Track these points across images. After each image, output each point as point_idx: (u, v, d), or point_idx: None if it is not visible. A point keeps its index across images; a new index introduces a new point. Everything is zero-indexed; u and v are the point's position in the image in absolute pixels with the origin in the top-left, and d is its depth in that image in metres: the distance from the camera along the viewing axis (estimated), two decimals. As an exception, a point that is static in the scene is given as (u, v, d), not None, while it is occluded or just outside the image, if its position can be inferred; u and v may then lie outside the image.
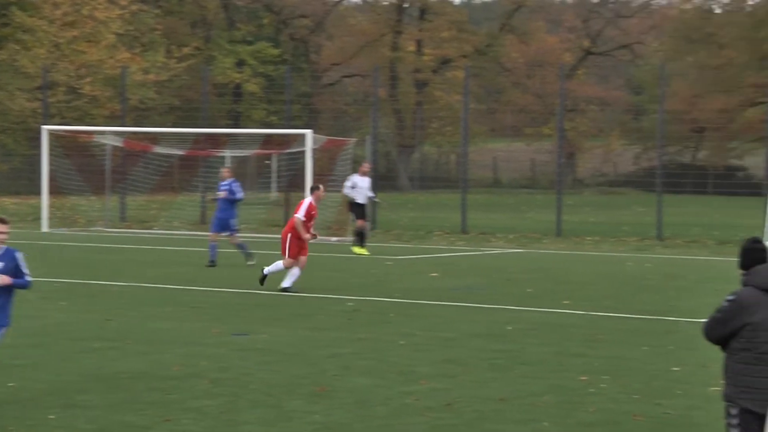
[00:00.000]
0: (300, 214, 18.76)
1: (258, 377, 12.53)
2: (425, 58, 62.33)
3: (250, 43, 58.62)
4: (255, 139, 39.88)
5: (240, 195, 25.53)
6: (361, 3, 66.96)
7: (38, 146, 35.51)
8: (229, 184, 25.39)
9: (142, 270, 24.45)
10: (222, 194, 25.01)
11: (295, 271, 19.68)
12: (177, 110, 49.52)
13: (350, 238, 29.55)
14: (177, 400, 11.48)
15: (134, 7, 52.80)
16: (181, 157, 37.97)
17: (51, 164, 34.67)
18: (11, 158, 47.21)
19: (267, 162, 39.80)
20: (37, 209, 36.12)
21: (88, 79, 48.73)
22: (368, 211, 29.51)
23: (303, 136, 33.40)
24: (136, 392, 11.80)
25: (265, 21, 62.00)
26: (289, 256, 19.73)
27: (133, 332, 15.80)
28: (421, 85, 61.96)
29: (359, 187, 27.94)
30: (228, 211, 25.04)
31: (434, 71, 61.90)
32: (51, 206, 35.32)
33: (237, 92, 57.52)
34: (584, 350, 15.00)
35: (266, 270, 19.92)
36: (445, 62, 62.15)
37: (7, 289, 10.54)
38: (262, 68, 57.82)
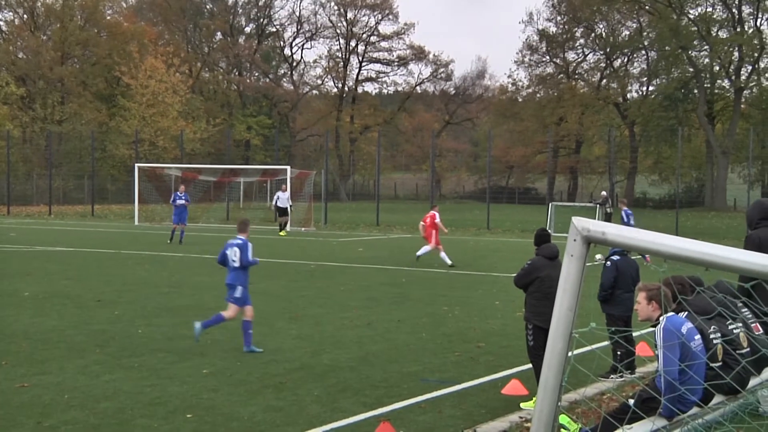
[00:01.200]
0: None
1: (257, 309, 14.81)
2: (355, 125, 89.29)
3: (254, 116, 76.90)
4: (257, 172, 49.80)
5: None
6: (318, 93, 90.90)
7: (132, 176, 44.20)
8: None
9: (190, 247, 30.07)
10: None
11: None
12: (212, 155, 60.16)
13: (313, 229, 40.07)
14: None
15: (188, 96, 68.40)
16: (214, 182, 47.55)
17: (139, 186, 43.23)
18: (117, 182, 57.84)
19: (264, 185, 49.20)
20: (132, 211, 44.61)
21: (161, 137, 61.76)
22: (288, 212, 37.88)
23: (285, 170, 42.06)
24: (189, 317, 14.60)
25: (263, 103, 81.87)
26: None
27: (186, 283, 19.89)
28: (353, 140, 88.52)
29: (281, 198, 37.55)
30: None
31: (360, 133, 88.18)
32: (139, 210, 43.91)
33: (247, 144, 75.24)
34: (446, 292, 19.07)
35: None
36: (367, 128, 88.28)
37: (243, 271, 12.69)
38: (261, 131, 77.52)
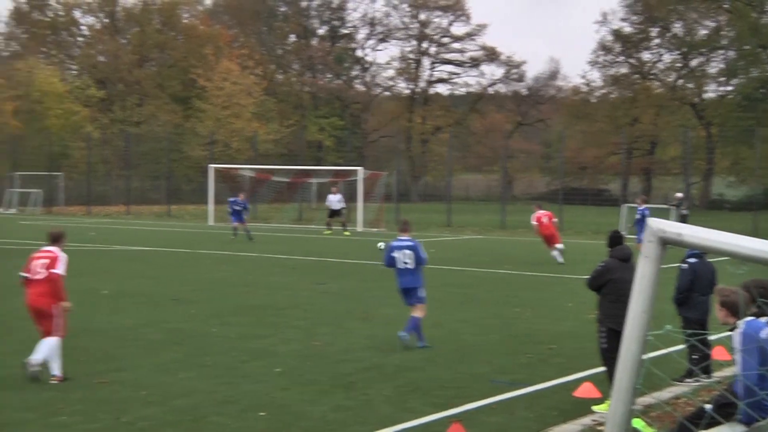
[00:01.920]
0: None
1: (330, 308, 16.20)
2: (427, 126, 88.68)
3: (327, 117, 77.56)
4: (329, 173, 49.43)
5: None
6: (389, 95, 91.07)
7: (207, 176, 45.03)
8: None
9: (262, 246, 30.63)
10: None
11: None
12: (285, 156, 61.13)
13: (384, 229, 39.43)
14: (284, 322, 14.73)
15: (261, 98, 69.60)
16: (287, 183, 47.83)
17: (215, 187, 44.11)
18: (192, 183, 59.08)
19: (336, 185, 51.81)
20: (206, 211, 45.26)
21: (235, 139, 62.71)
22: (341, 213, 38.63)
23: (357, 171, 42.73)
24: (262, 316, 15.23)
25: (336, 105, 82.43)
26: None
27: (260, 283, 20.14)
28: (424, 141, 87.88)
29: (331, 200, 38.18)
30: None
31: (432, 134, 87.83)
32: (214, 210, 44.23)
33: (319, 146, 75.87)
34: (516, 293, 18.99)
35: None
36: (438, 129, 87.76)
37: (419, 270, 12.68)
38: (334, 132, 77.80)
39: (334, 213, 38.95)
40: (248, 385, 10.43)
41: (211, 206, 45.08)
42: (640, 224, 26.00)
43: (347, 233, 37.95)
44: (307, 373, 11.10)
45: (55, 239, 10.92)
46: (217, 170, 46.68)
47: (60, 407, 9.28)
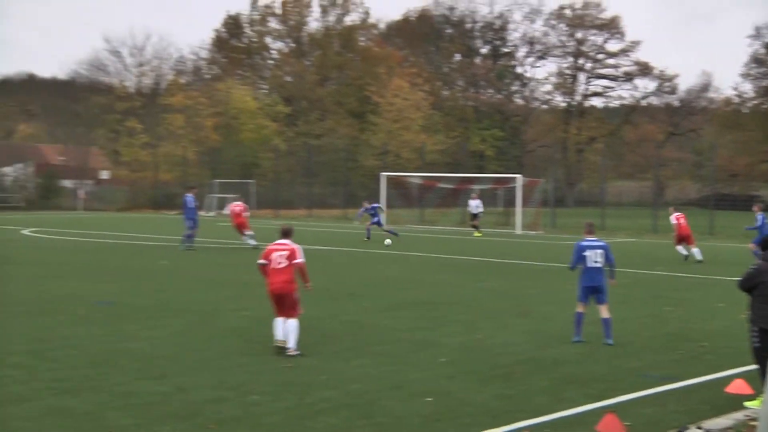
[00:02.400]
0: None
1: (488, 305, 16.14)
2: (582, 136, 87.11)
3: (488, 129, 76.84)
4: (490, 180, 49.41)
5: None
6: (547, 108, 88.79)
7: (379, 183, 45.81)
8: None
9: (431, 247, 30.63)
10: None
11: None
12: (450, 165, 61.27)
13: (541, 232, 40.27)
14: (446, 314, 14.80)
15: (429, 112, 70.61)
16: (451, 189, 48.11)
17: (386, 193, 44.99)
18: (367, 189, 57.57)
19: (496, 192, 49.39)
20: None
21: (405, 149, 63.61)
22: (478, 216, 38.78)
23: (516, 178, 42.96)
24: (427, 311, 15.15)
25: (496, 118, 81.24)
26: None
27: (425, 280, 20.13)
28: (579, 151, 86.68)
29: (471, 205, 38.62)
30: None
31: (586, 143, 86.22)
32: (388, 215, 43.29)
33: (481, 155, 75.16)
34: (668, 293, 18.48)
35: None
36: (592, 139, 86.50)
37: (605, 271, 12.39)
38: (494, 143, 77.28)
39: (474, 216, 39.19)
40: (415, 372, 10.46)
41: (383, 209, 45.03)
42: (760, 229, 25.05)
43: (478, 234, 38.15)
44: (469, 363, 11.05)
45: (287, 233, 11.84)
46: (388, 178, 47.09)
47: (252, 387, 9.55)
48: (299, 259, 11.58)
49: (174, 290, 17.81)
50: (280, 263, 11.49)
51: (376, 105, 73.66)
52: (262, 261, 11.63)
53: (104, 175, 67.62)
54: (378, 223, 33.79)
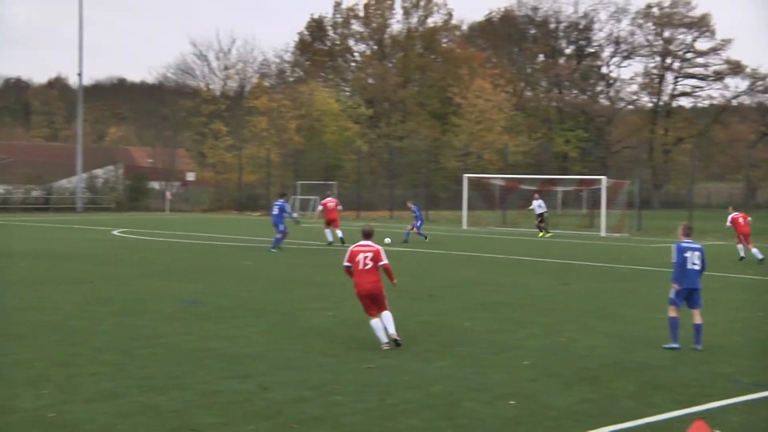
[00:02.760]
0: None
1: (572, 307, 15.93)
2: (669, 137, 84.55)
3: (572, 130, 76.04)
4: (574, 182, 49.86)
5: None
6: (633, 108, 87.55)
7: (461, 185, 45.91)
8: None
9: (511, 249, 30.89)
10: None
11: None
12: (532, 166, 60.79)
13: (626, 234, 39.68)
14: (526, 317, 14.73)
15: (511, 113, 70.03)
16: (534, 191, 45.55)
17: (468, 194, 44.97)
18: (448, 191, 59.83)
19: (580, 193, 49.44)
20: (460, 217, 45.93)
21: (487, 151, 63.49)
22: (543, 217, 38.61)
23: (600, 179, 42.21)
24: (508, 312, 15.38)
25: (581, 118, 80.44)
26: None
27: (505, 282, 20.20)
28: (666, 152, 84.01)
29: (534, 205, 38.55)
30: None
31: (674, 144, 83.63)
32: (468, 215, 45.40)
33: (565, 156, 74.38)
34: (759, 297, 18.63)
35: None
36: (680, 140, 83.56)
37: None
38: (578, 144, 76.11)
39: (539, 217, 39.12)
40: (497, 375, 10.38)
41: (464, 212, 45.52)
42: None
43: (541, 235, 38.32)
44: (552, 366, 10.91)
45: (368, 235, 12.21)
46: (470, 179, 47.08)
47: (333, 388, 9.60)
48: (384, 261, 12.00)
49: (258, 290, 18.04)
50: (367, 264, 11.87)
51: (458, 106, 73.49)
52: (347, 264, 11.96)
53: (190, 176, 69.00)
54: (416, 225, 34.02)
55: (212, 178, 72.03)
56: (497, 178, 50.14)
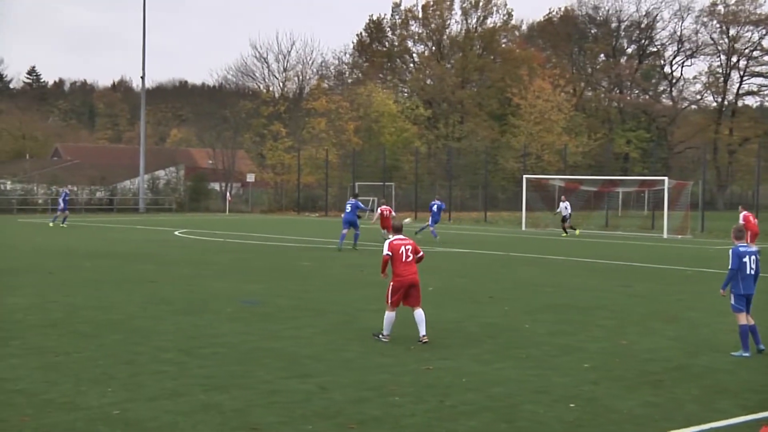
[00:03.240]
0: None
1: (635, 309, 15.87)
2: (734, 137, 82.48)
3: (633, 130, 75.18)
4: (635, 182, 49.67)
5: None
6: (696, 108, 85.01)
7: (520, 186, 45.91)
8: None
9: (571, 250, 30.85)
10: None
11: None
12: (592, 167, 60.55)
13: (689, 236, 39.32)
14: (587, 319, 14.67)
15: (571, 113, 69.84)
16: (594, 192, 47.92)
17: (526, 195, 44.85)
18: (507, 192, 60.26)
19: (642, 195, 49.39)
20: (519, 217, 45.96)
21: (546, 151, 63.61)
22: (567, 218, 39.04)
23: (662, 180, 41.94)
24: (569, 315, 15.28)
25: (642, 119, 79.34)
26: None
27: (566, 283, 19.94)
28: (731, 152, 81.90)
29: (561, 208, 39.05)
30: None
31: (739, 144, 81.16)
32: (526, 217, 45.39)
33: (626, 157, 73.55)
34: None
35: None
36: (746, 140, 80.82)
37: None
38: (640, 144, 75.39)
39: (564, 219, 39.62)
40: (558, 377, 10.29)
41: (524, 213, 45.41)
42: None
43: (570, 234, 39.08)
44: (614, 369, 10.79)
45: (399, 229, 12.95)
46: (529, 180, 46.91)
47: (392, 389, 9.61)
48: (421, 252, 12.78)
49: (317, 290, 18.14)
50: (409, 257, 12.48)
51: (517, 107, 73.26)
52: (388, 252, 12.46)
53: (250, 178, 69.80)
54: (432, 223, 34.67)
55: (271, 179, 72.76)
56: (557, 179, 49.95)
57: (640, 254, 29.67)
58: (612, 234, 41.61)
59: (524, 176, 46.64)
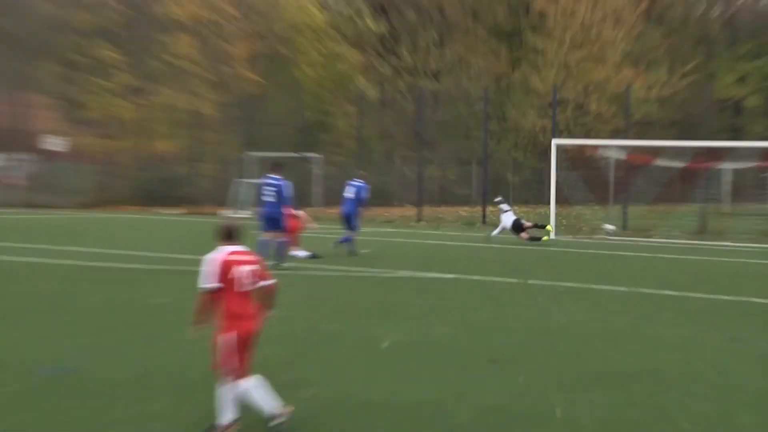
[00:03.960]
0: None
1: (752, 383, 16.03)
2: None
3: (750, 59, 75.05)
4: (755, 152, 48.98)
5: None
6: None
7: (547, 159, 45.88)
8: None
9: (639, 275, 31.15)
10: None
11: None
12: (678, 125, 61.31)
13: None
14: (674, 401, 14.87)
15: (638, 28, 69.51)
16: (681, 170, 48.03)
17: (558, 175, 44.54)
18: (522, 170, 60.82)
19: (764, 175, 49.63)
20: (545, 218, 46.07)
21: (594, 96, 63.66)
22: None
23: None
24: (635, 391, 15.31)
25: (765, 39, 79.03)
26: None
27: (631, 335, 20.41)
28: None
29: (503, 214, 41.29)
30: None
31: None
32: (557, 215, 45.66)
33: (736, 107, 73.76)
34: None
35: None
36: None
37: None
38: (763, 84, 75.15)
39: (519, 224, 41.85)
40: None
41: (552, 207, 45.66)
42: None
43: (547, 239, 41.80)
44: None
45: (231, 235, 12.76)
46: (563, 148, 47.21)
47: None
48: (269, 281, 12.78)
49: (178, 346, 17.86)
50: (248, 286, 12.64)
51: (542, 17, 73.26)
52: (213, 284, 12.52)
53: (55, 143, 69.03)
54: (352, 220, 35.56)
55: (96, 146, 72.56)
56: (613, 147, 50.34)
57: (761, 283, 29.95)
58: (712, 246, 42.36)
59: (554, 141, 46.76)
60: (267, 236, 30.92)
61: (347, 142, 65.90)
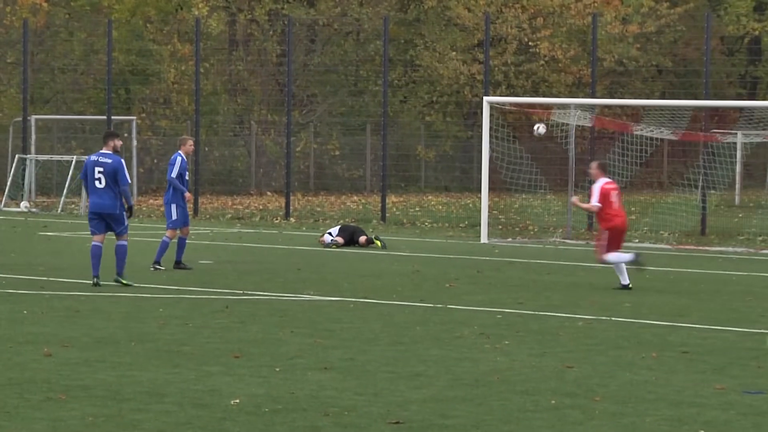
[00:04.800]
0: None
1: None
2: None
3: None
4: (764, 118, 49.88)
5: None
6: None
7: (477, 125, 48.07)
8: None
9: (610, 297, 31.13)
10: None
11: None
12: (668, 75, 63.34)
13: None
14: None
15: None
16: (672, 142, 49.88)
17: (493, 150, 44.89)
18: (440, 142, 61.97)
19: None
20: (474, 212, 47.62)
21: (545, 33, 65.60)
22: None
23: None
24: None
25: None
26: None
27: (602, 385, 20.62)
28: None
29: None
30: None
31: None
32: (492, 208, 46.49)
33: (754, 49, 75.07)
34: None
35: None
36: None
37: None
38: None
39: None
40: None
41: (484, 196, 44.96)
42: None
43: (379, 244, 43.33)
44: None
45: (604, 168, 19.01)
46: (500, 109, 48.61)
47: None
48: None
49: None
50: (615, 201, 21.71)
51: None
52: (597, 204, 22.07)
53: None
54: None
55: None
56: (573, 107, 50.06)
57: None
58: (714, 254, 43.40)
59: (485, 99, 46.97)
60: (123, 240, 31.02)
61: (178, 98, 66.02)
